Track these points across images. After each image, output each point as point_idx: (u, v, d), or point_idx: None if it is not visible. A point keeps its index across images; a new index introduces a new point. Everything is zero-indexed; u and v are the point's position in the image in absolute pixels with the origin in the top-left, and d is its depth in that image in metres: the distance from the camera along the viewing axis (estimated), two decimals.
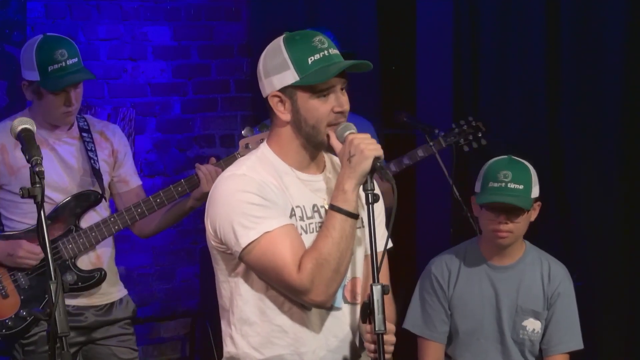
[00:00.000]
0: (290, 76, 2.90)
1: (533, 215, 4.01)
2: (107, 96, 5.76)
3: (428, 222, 5.71)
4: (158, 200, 4.19)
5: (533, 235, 4.16)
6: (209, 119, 6.14)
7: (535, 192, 3.96)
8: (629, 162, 4.98)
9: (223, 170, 4.07)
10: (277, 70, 2.92)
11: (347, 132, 2.94)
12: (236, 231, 2.88)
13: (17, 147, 3.99)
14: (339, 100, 2.93)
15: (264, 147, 3.02)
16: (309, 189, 3.00)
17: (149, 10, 5.89)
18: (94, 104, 5.68)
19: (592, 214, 5.06)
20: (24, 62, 4.16)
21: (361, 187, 2.90)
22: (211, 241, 2.99)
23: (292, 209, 2.96)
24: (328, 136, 2.94)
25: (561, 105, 5.16)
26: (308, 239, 2.93)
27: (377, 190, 2.92)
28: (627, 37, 4.93)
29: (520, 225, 3.95)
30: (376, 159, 2.87)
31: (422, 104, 5.67)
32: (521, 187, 3.92)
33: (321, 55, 2.90)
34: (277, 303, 2.96)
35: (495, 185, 3.94)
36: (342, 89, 2.95)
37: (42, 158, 2.93)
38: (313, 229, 2.97)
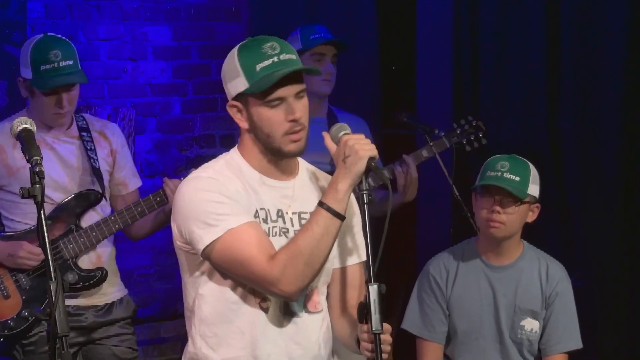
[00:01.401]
0: (240, 84, 2.89)
1: (530, 216, 4.02)
2: (107, 96, 5.75)
3: (428, 222, 5.70)
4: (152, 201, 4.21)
5: (533, 235, 4.16)
6: (209, 119, 6.12)
7: (533, 189, 3.98)
8: (629, 163, 4.98)
9: None
10: (231, 77, 2.91)
11: (342, 133, 2.94)
12: (200, 229, 2.88)
13: (15, 147, 4.01)
14: (290, 107, 2.89)
15: (234, 151, 3.02)
16: (275, 194, 2.99)
17: (149, 10, 5.88)
18: (94, 104, 5.67)
19: (592, 214, 5.06)
20: (21, 59, 4.17)
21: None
22: (177, 241, 2.98)
23: (257, 211, 2.95)
24: (326, 138, 2.94)
25: (561, 105, 5.16)
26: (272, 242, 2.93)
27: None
28: (627, 37, 4.93)
29: (513, 217, 3.96)
30: (371, 159, 2.86)
31: (422, 104, 5.66)
32: (517, 178, 3.96)
33: (270, 62, 2.86)
34: (236, 305, 2.95)
35: (492, 174, 3.99)
36: (298, 96, 2.91)
37: (42, 158, 2.93)
38: (276, 232, 2.97)
